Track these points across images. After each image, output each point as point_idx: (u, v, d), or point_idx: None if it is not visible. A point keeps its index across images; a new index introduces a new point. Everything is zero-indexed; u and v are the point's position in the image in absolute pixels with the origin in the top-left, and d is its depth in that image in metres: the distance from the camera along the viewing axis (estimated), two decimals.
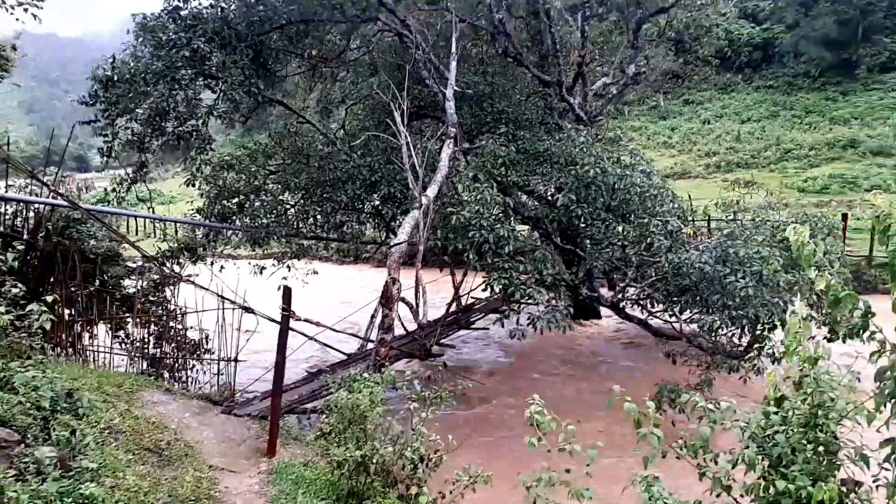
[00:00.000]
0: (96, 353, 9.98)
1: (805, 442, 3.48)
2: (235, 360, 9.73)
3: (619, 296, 12.96)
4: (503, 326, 11.10)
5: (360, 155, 13.92)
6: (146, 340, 10.57)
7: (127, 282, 11.19)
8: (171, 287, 11.25)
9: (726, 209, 13.48)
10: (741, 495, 3.69)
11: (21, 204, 9.93)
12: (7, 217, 9.99)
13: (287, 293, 7.50)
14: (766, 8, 52.06)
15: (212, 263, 13.79)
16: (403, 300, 9.68)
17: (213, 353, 10.28)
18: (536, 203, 14.46)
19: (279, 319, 7.44)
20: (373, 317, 12.03)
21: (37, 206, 9.80)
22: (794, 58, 48.64)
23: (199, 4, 13.39)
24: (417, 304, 10.01)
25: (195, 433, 7.23)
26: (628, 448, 4.41)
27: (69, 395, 5.51)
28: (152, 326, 10.70)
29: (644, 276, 11.68)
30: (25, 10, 11.76)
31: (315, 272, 16.40)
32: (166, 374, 10.39)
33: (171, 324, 10.79)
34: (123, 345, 10.59)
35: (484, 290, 12.50)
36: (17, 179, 11.63)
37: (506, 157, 11.91)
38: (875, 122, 39.42)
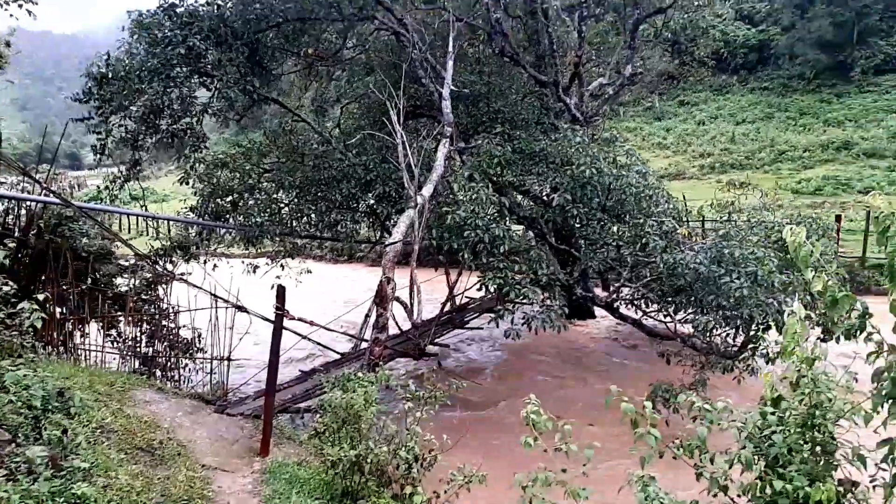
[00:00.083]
0: (88, 352, 9.91)
1: (802, 442, 3.47)
2: (228, 359, 9.68)
3: (614, 296, 12.96)
4: (498, 326, 11.08)
5: (355, 154, 13.88)
6: (138, 339, 10.50)
7: (119, 280, 11.11)
8: (164, 285, 11.18)
9: (721, 210, 13.49)
10: (738, 495, 3.68)
11: (13, 201, 9.85)
12: None
13: (281, 292, 7.46)
14: (762, 10, 52.27)
15: (205, 262, 13.74)
16: (398, 299, 9.65)
17: (206, 351, 10.22)
18: (532, 203, 14.45)
19: (273, 318, 7.40)
20: (367, 316, 11.99)
21: (29, 203, 9.73)
22: (790, 59, 48.83)
23: (196, 2, 13.36)
24: (412, 304, 9.98)
25: (188, 432, 7.18)
26: (623, 448, 4.40)
27: (60, 394, 5.47)
28: (145, 325, 10.63)
29: (639, 276, 11.68)
30: (20, 6, 11.68)
31: (309, 271, 16.35)
32: (159, 373, 10.33)
33: (164, 322, 10.73)
34: (115, 343, 10.52)
35: (479, 289, 12.48)
36: (9, 177, 11.56)
37: (501, 156, 11.89)
38: (869, 124, 39.59)
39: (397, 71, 12.99)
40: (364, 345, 10.50)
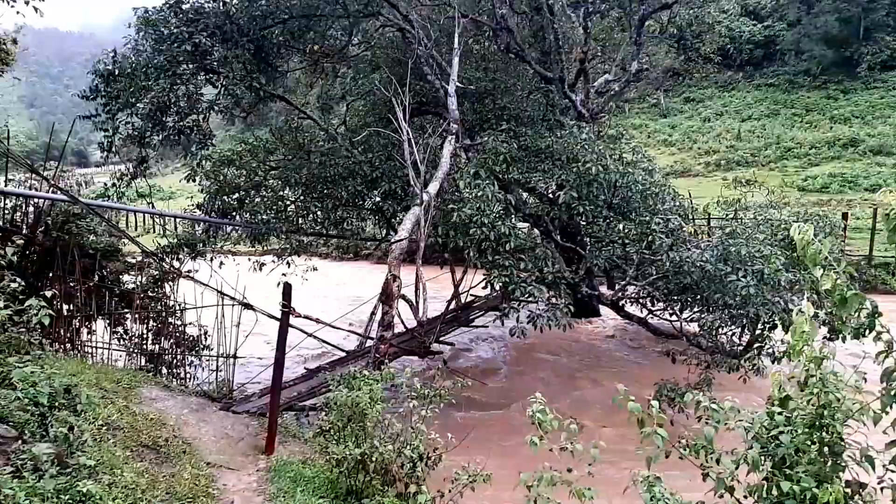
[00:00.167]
0: (95, 349, 9.95)
1: (810, 443, 3.44)
2: (234, 357, 9.70)
3: (620, 294, 12.93)
4: (503, 324, 11.06)
5: (361, 151, 13.87)
6: (145, 336, 10.53)
7: (126, 277, 11.15)
8: (171, 283, 11.21)
9: (727, 208, 13.43)
10: (745, 496, 3.65)
11: (21, 198, 9.89)
12: (6, 211, 9.95)
13: (287, 290, 7.47)
14: (768, 5, 51.90)
15: (211, 259, 13.76)
16: (403, 297, 9.64)
17: (212, 349, 10.25)
18: (537, 200, 14.42)
19: (279, 316, 7.41)
20: (373, 314, 11.99)
21: (36, 200, 9.76)
22: (796, 55, 48.50)
23: None
24: (417, 302, 9.97)
25: (193, 430, 7.20)
26: (627, 447, 4.38)
27: (67, 391, 5.48)
28: (151, 322, 10.65)
29: (644, 274, 11.65)
30: (27, 3, 11.70)
31: (314, 269, 16.36)
32: (165, 371, 10.36)
33: (170, 320, 10.75)
34: (122, 340, 10.55)
35: (484, 287, 12.47)
36: (16, 174, 11.59)
37: (507, 153, 11.86)
38: (875, 120, 39.32)
39: (402, 68, 12.97)
40: (369, 343, 10.51)
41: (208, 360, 10.31)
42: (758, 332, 10.46)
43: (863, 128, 38.66)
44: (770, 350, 10.25)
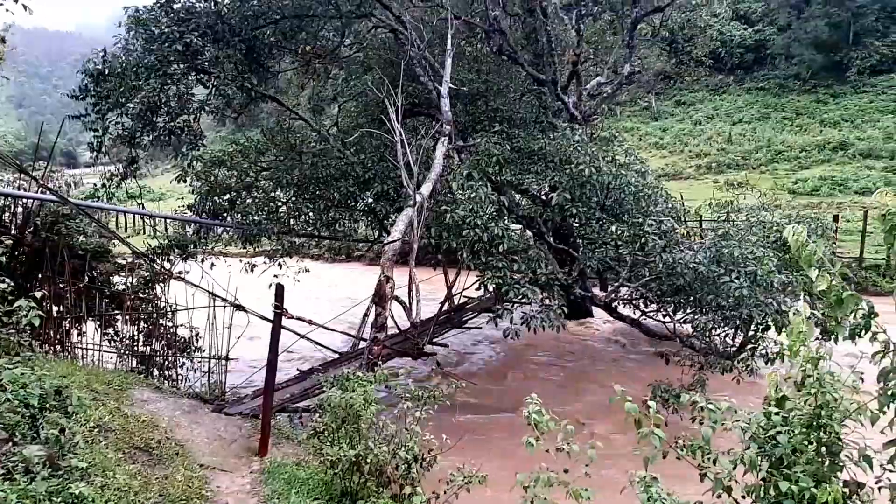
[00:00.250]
0: (85, 351, 9.86)
1: (807, 443, 3.44)
2: (226, 359, 9.63)
3: (613, 295, 12.95)
4: (496, 326, 11.05)
5: (353, 152, 13.83)
6: (136, 338, 10.44)
7: (116, 278, 11.06)
8: (162, 284, 11.13)
9: (720, 210, 13.52)
10: (742, 496, 3.65)
11: (9, 199, 9.78)
12: None
13: (280, 291, 7.42)
14: (759, 10, 52.26)
15: (202, 261, 13.67)
16: (397, 298, 9.61)
17: (204, 350, 10.17)
18: (530, 202, 14.43)
19: (271, 317, 7.37)
20: (366, 315, 11.95)
21: (25, 201, 9.66)
22: (786, 60, 48.86)
23: None
24: (411, 303, 9.95)
25: (186, 432, 7.14)
26: (622, 448, 4.38)
27: (58, 393, 5.42)
28: (142, 324, 10.57)
29: (638, 275, 11.67)
30: (16, 0, 11.58)
31: (306, 270, 16.30)
32: (156, 372, 10.27)
33: (161, 321, 10.67)
34: (113, 342, 10.46)
35: (477, 289, 12.47)
36: (5, 174, 11.48)
37: (500, 155, 11.86)
38: (865, 124, 39.65)
39: (395, 69, 12.95)
40: (363, 344, 10.47)
41: (200, 362, 10.25)
42: (751, 333, 10.50)
43: (852, 131, 38.98)
44: (763, 351, 10.28)
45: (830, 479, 3.37)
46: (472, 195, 10.29)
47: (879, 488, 3.49)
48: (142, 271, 11.06)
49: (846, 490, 3.39)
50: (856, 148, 36.40)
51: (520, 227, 14.52)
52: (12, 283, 5.79)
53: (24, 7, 11.75)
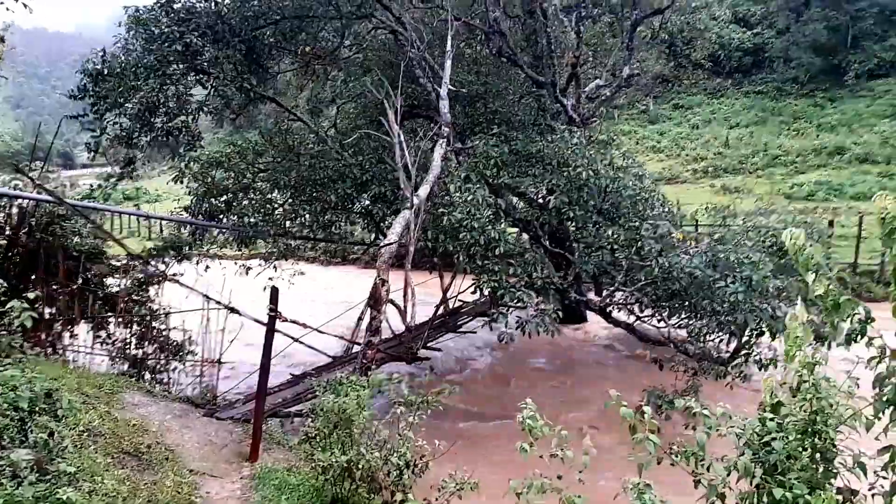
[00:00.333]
0: (77, 353, 9.79)
1: (801, 449, 3.41)
2: (219, 362, 9.58)
3: (608, 300, 12.90)
4: (491, 329, 11.00)
5: (351, 154, 13.80)
6: (128, 341, 10.38)
7: (110, 280, 11.00)
8: (156, 286, 11.07)
9: (716, 214, 13.51)
10: (736, 503, 3.61)
11: (4, 199, 9.73)
12: None
13: (274, 293, 7.38)
14: (758, 13, 52.31)
15: (197, 263, 13.62)
16: (392, 302, 9.57)
17: (197, 354, 10.11)
18: (527, 206, 14.41)
19: (265, 321, 7.31)
20: (360, 319, 11.90)
21: (20, 201, 9.61)
22: (784, 63, 48.86)
23: None
24: (406, 307, 9.90)
25: (176, 436, 7.09)
26: (619, 455, 4.33)
27: (48, 396, 5.35)
28: (135, 326, 10.51)
29: (633, 280, 11.63)
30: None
31: (302, 273, 16.24)
32: (148, 376, 10.21)
33: (154, 324, 10.61)
34: (105, 345, 10.39)
35: (473, 292, 12.40)
36: (1, 174, 11.43)
37: (498, 157, 11.83)
38: (862, 129, 39.65)
39: (394, 70, 12.92)
40: (356, 348, 10.41)
41: (192, 366, 10.18)
42: (745, 338, 10.46)
43: (849, 136, 38.98)
44: (757, 357, 10.26)
45: (824, 485, 3.34)
46: (469, 198, 10.25)
47: (873, 495, 3.45)
48: (136, 273, 11.01)
49: (840, 497, 3.35)
50: (852, 153, 36.40)
51: (516, 230, 14.50)
52: (5, 284, 5.73)
53: (25, 6, 11.72)
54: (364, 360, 8.65)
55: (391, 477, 5.81)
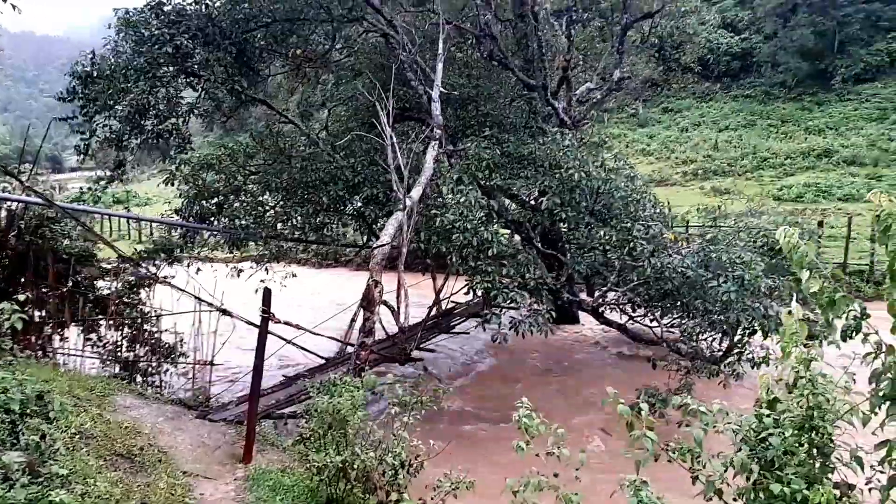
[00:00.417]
0: (67, 357, 9.70)
1: (798, 444, 3.42)
2: (211, 364, 9.51)
3: (600, 300, 12.95)
4: (485, 330, 11.00)
5: (343, 156, 13.77)
6: (119, 343, 10.29)
7: (101, 283, 10.91)
8: (147, 289, 10.99)
9: (706, 216, 13.60)
10: (734, 499, 3.62)
11: None
12: None
13: (267, 295, 7.34)
14: (746, 18, 52.79)
15: (188, 265, 13.53)
16: (385, 303, 9.54)
17: (189, 356, 10.04)
18: (519, 207, 14.43)
19: (257, 322, 7.27)
20: (353, 320, 11.86)
21: (9, 203, 9.51)
22: (772, 68, 49.32)
23: (183, 0, 13.20)
24: (399, 308, 9.88)
25: (169, 438, 7.03)
26: (615, 451, 4.34)
27: (39, 398, 5.29)
28: (126, 329, 10.42)
29: (626, 280, 11.67)
30: (5, 0, 11.45)
31: (293, 275, 16.18)
32: (140, 378, 10.12)
33: (146, 326, 10.52)
34: (96, 348, 10.30)
35: (466, 293, 12.41)
36: None
37: (490, 159, 11.84)
38: (849, 132, 40.08)
39: (386, 73, 12.92)
40: (350, 349, 10.38)
41: (184, 368, 10.11)
42: (737, 337, 10.53)
43: (836, 139, 39.39)
44: (750, 355, 10.33)
45: (822, 480, 3.35)
46: (461, 199, 10.25)
47: (870, 489, 3.47)
48: (127, 276, 10.93)
49: (837, 491, 3.36)
50: (840, 155, 36.79)
51: (509, 231, 14.53)
52: None
53: (13, 7, 11.61)
54: (358, 361, 8.63)
55: (386, 477, 5.79)
